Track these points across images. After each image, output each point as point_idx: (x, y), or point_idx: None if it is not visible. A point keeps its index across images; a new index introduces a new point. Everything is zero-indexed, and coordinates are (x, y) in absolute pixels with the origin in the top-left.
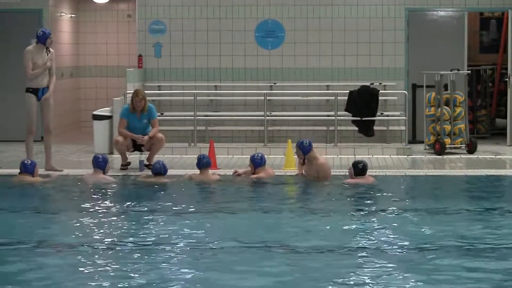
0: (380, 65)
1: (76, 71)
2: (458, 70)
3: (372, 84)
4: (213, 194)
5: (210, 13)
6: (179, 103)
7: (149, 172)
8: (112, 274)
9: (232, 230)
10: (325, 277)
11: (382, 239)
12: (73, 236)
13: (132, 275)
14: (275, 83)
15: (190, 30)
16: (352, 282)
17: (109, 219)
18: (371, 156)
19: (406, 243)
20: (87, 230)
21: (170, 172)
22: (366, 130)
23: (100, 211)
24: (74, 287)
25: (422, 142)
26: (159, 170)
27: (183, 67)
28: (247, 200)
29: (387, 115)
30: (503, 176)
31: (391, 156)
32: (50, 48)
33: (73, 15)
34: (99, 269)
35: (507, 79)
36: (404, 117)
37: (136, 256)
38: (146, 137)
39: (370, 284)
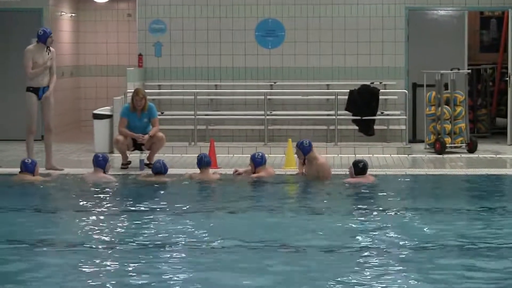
0: (381, 64)
1: (76, 70)
2: (459, 69)
3: (373, 83)
4: (213, 193)
5: (210, 12)
6: (179, 102)
7: (150, 171)
8: (111, 273)
9: (232, 229)
10: (326, 276)
11: (382, 238)
12: (73, 235)
13: (132, 274)
14: (275, 82)
15: (190, 29)
16: (352, 281)
17: (109, 218)
18: (371, 155)
19: (407, 242)
20: (87, 229)
21: (170, 171)
22: (366, 129)
23: (100, 210)
24: (74, 286)
25: (423, 141)
26: (160, 169)
27: (183, 66)
28: (247, 200)
29: (388, 114)
30: (504, 176)
31: (392, 155)
32: (50, 47)
33: (73, 14)
34: (98, 268)
35: (507, 78)
36: (405, 116)
37: (136, 255)
38: (146, 136)
39: (370, 283)
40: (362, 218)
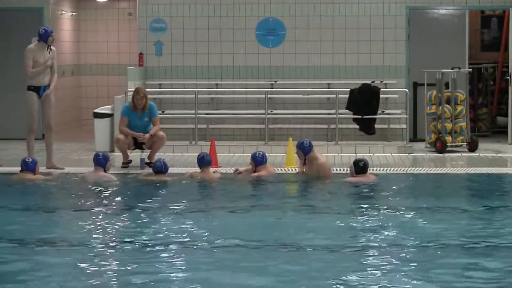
0: (381, 63)
1: (77, 69)
2: (459, 68)
3: (373, 82)
4: (214, 192)
5: (211, 11)
6: (180, 101)
7: (150, 170)
8: (111, 272)
9: (232, 228)
10: (326, 276)
11: (383, 237)
12: (74, 234)
13: (132, 273)
14: (276, 81)
15: (191, 28)
16: (353, 280)
17: (109, 217)
18: (372, 154)
19: (407, 241)
20: (88, 229)
21: (171, 170)
22: (367, 128)
23: (100, 209)
24: (74, 285)
25: (423, 140)
26: (160, 168)
27: (184, 65)
28: (248, 199)
29: (388, 113)
30: (504, 174)
31: (392, 154)
32: (52, 46)
33: (74, 13)
34: (98, 267)
35: (508, 77)
36: (405, 115)
37: (136, 254)
38: (147, 135)
39: (371, 282)
40: (363, 217)
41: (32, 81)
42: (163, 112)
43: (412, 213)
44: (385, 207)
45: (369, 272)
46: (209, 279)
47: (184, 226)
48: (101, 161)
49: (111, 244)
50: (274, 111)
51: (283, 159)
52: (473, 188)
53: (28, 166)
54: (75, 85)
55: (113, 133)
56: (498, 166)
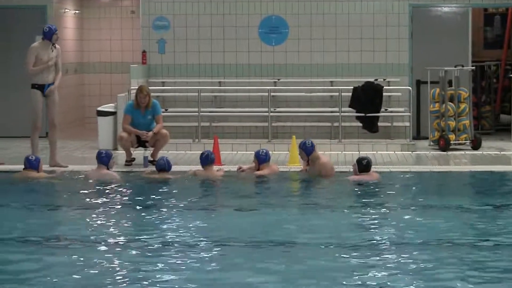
0: (384, 61)
1: (80, 67)
2: (463, 66)
3: (376, 80)
4: (217, 190)
5: (214, 9)
6: (183, 99)
7: (153, 168)
8: (113, 270)
9: (236, 226)
10: (330, 274)
11: (387, 235)
12: (77, 232)
13: (134, 271)
14: (279, 79)
15: (194, 26)
16: (356, 278)
17: (112, 215)
18: (375, 152)
19: (411, 239)
20: (91, 226)
21: (174, 168)
22: (370, 126)
23: (103, 207)
24: (76, 283)
25: (427, 138)
26: (163, 166)
27: (187, 63)
28: (251, 197)
29: (391, 111)
30: (508, 172)
31: (396, 152)
32: (56, 45)
33: (77, 12)
34: (100, 265)
35: (511, 75)
36: (409, 113)
37: (138, 253)
38: (150, 133)
39: (374, 280)
40: (366, 215)
41: (36, 79)
42: (166, 110)
43: (415, 211)
44: (389, 205)
45: (372, 269)
46: (212, 276)
47: (187, 224)
48: (104, 159)
49: (114, 242)
50: (277, 109)
51: (286, 157)
52: (477, 186)
53: (32, 164)
54: (78, 83)
55: (116, 131)
56: (502, 164)
